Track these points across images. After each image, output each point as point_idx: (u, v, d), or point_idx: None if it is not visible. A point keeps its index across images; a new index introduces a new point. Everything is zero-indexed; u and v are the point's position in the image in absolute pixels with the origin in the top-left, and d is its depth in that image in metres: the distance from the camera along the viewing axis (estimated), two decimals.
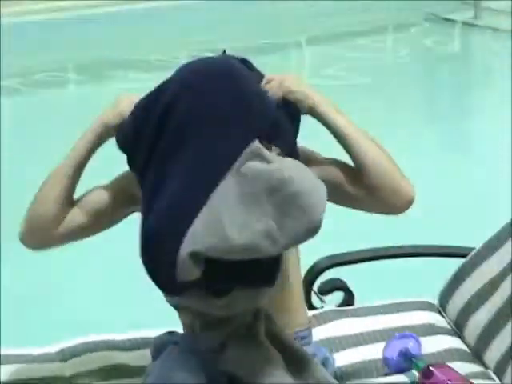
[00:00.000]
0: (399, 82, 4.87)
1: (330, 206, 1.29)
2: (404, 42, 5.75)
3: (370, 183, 1.36)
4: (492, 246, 1.86)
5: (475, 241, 1.91)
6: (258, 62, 1.45)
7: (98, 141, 1.42)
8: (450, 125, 4.33)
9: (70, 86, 6.04)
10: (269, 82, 1.42)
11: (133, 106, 1.40)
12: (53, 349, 1.71)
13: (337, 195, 1.37)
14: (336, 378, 1.61)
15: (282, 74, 1.45)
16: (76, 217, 1.41)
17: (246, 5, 6.41)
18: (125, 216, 1.45)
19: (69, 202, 1.41)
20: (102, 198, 1.43)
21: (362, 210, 1.43)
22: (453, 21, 5.35)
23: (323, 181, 1.27)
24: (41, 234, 1.42)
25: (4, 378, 1.59)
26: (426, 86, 5.02)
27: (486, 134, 4.24)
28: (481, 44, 5.47)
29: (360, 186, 1.37)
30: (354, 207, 1.43)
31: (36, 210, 1.41)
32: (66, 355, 1.66)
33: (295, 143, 1.36)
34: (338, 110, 1.41)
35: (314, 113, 1.38)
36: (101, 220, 1.43)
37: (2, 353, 1.65)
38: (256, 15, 6.44)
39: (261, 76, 1.42)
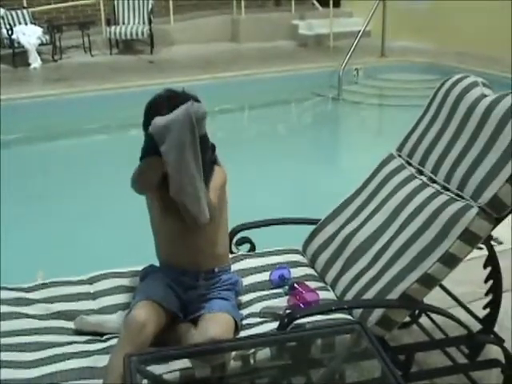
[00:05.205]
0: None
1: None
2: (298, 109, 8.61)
3: None
4: (332, 216, 2.54)
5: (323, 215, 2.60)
6: None
7: None
8: (319, 151, 6.69)
9: None
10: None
11: None
12: (85, 277, 2.35)
13: None
14: (244, 291, 2.22)
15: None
16: None
17: None
18: None
19: None
20: None
21: None
22: (327, 96, 8.25)
23: None
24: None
25: (57, 293, 2.23)
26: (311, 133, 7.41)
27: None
28: (340, 109, 8.08)
29: None
30: None
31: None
32: (93, 280, 2.34)
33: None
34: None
35: None
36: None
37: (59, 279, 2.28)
38: None
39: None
